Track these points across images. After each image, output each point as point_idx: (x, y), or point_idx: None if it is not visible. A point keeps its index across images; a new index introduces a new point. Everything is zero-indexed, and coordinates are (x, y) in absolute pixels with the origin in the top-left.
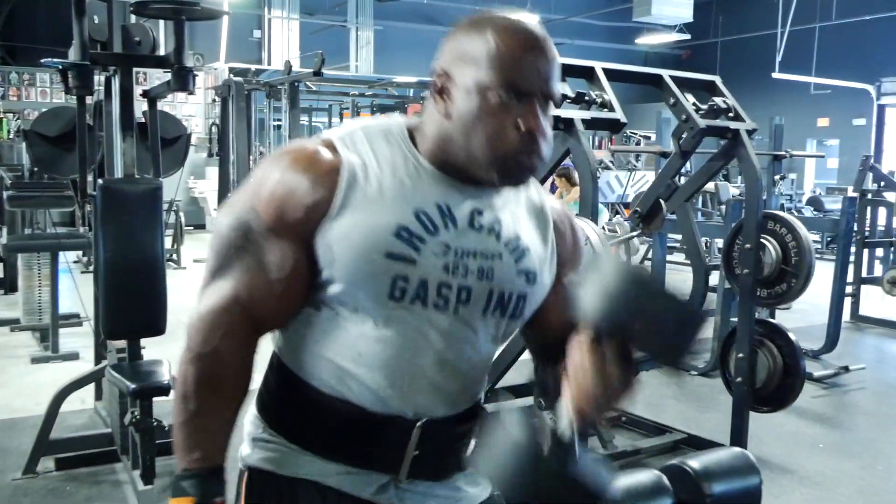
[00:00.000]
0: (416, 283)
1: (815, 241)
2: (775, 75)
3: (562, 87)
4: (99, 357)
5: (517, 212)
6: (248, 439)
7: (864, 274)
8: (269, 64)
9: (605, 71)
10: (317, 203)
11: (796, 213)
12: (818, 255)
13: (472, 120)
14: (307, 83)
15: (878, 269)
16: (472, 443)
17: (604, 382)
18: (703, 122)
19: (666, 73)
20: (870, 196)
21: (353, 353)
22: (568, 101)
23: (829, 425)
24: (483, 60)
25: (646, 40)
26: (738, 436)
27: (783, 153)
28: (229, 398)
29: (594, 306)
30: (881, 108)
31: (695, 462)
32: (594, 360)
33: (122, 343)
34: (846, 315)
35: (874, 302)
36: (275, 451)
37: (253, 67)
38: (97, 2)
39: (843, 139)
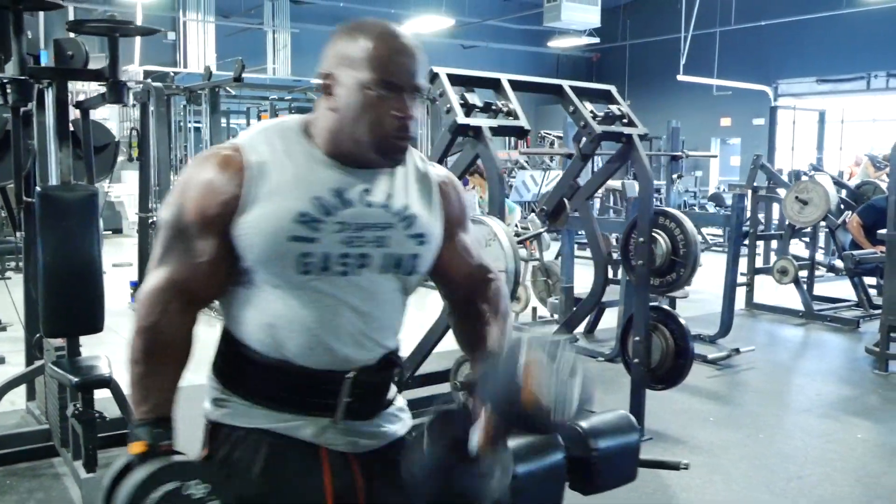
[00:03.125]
0: (319, 257)
1: (717, 235)
2: (680, 77)
3: (471, 98)
4: (31, 358)
5: (405, 184)
6: (208, 397)
7: (761, 265)
8: (185, 67)
9: (511, 82)
10: (227, 201)
11: (699, 209)
12: (721, 248)
13: (355, 112)
14: (227, 88)
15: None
16: (393, 386)
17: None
18: (599, 128)
19: (566, 84)
20: (762, 192)
21: (283, 319)
22: (477, 110)
23: (720, 402)
24: (361, 62)
25: (557, 44)
26: (637, 410)
27: (679, 154)
28: (170, 362)
29: (487, 392)
30: (773, 109)
31: (585, 423)
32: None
33: (58, 341)
34: (742, 303)
35: (769, 291)
36: (229, 407)
37: (171, 71)
38: (30, 18)
39: (745, 138)
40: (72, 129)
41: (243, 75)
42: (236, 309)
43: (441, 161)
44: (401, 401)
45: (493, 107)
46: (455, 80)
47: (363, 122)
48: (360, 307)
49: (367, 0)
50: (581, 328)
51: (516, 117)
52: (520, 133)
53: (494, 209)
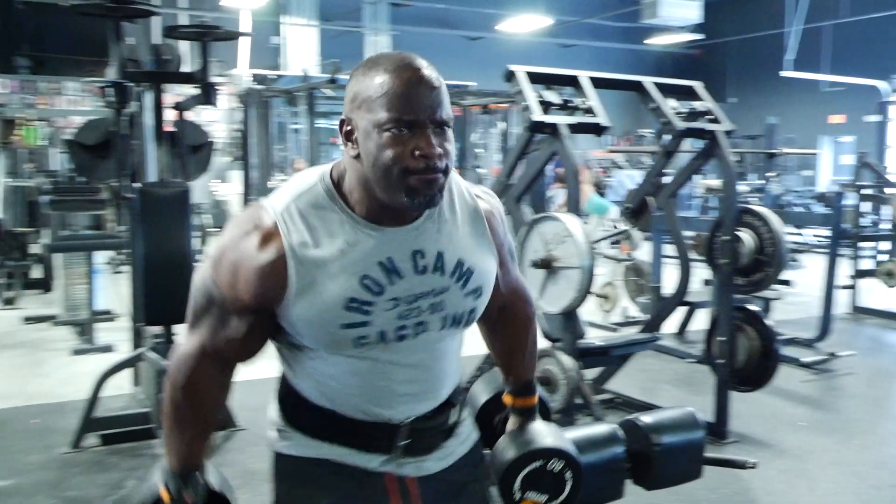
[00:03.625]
0: (374, 334)
1: (826, 237)
2: (783, 73)
3: (548, 95)
4: (136, 344)
5: (454, 231)
6: (272, 427)
7: (870, 267)
8: (287, 69)
9: (590, 79)
10: (266, 293)
11: (804, 210)
12: (826, 250)
13: (376, 158)
14: (322, 89)
15: None
16: (454, 412)
17: None
18: (681, 125)
19: (647, 80)
20: (868, 192)
21: (334, 381)
22: (555, 107)
23: (813, 406)
24: (374, 102)
25: (657, 41)
26: (721, 410)
27: (775, 151)
28: (197, 420)
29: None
30: (882, 104)
31: (647, 417)
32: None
33: (156, 329)
34: (847, 307)
35: (879, 294)
36: (292, 439)
37: (269, 74)
38: (133, 25)
39: (860, 135)
40: (172, 129)
41: (339, 77)
42: (288, 359)
43: (519, 159)
44: (465, 416)
45: (569, 104)
46: (534, 78)
47: (385, 167)
48: (417, 363)
49: (466, 1)
50: (672, 328)
51: (594, 114)
52: (597, 130)
53: (573, 206)
